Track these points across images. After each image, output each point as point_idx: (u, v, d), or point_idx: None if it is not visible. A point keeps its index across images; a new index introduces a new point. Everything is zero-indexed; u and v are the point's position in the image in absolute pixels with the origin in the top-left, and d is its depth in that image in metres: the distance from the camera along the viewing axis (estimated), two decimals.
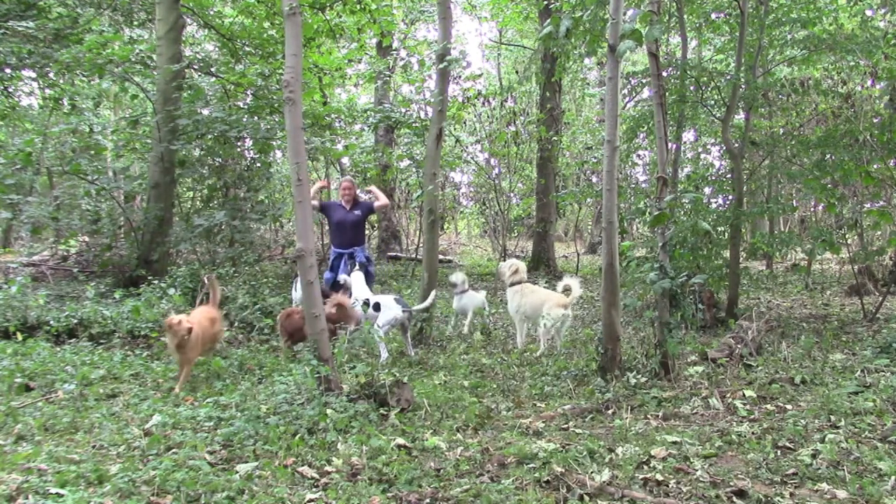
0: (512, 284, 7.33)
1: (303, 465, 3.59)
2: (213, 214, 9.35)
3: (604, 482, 3.38)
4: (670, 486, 3.40)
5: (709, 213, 8.40)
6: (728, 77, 8.54)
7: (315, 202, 7.73)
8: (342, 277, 7.28)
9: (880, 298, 8.54)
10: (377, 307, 6.64)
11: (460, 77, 13.07)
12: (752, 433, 4.14)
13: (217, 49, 12.85)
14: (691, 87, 8.45)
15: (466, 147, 15.20)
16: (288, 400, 4.55)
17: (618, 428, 4.31)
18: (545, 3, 11.71)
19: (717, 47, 10.42)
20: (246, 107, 10.88)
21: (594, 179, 18.41)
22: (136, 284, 8.42)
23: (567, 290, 7.10)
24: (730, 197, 8.80)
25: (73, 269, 10.87)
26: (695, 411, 4.70)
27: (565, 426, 4.43)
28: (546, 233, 14.48)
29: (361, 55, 14.98)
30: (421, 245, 7.47)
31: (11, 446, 3.79)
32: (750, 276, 9.23)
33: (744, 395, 4.96)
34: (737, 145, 8.57)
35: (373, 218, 17.24)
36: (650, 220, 5.73)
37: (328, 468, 3.57)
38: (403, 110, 13.08)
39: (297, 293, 7.39)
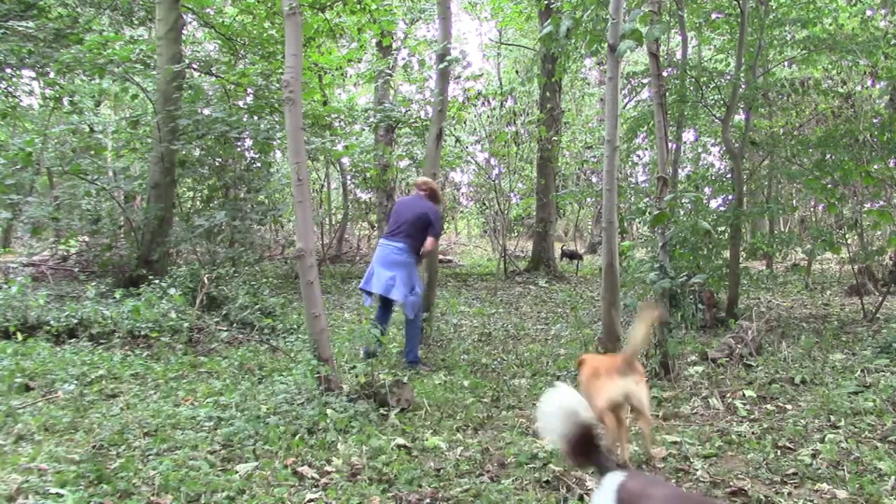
0: None
1: (303, 465, 3.59)
2: (213, 215, 9.34)
3: None
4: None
5: (709, 213, 8.40)
6: (728, 77, 8.54)
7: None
8: None
9: (880, 298, 8.54)
10: None
11: (460, 77, 13.07)
12: (752, 433, 4.14)
13: (217, 49, 12.86)
14: (691, 87, 8.45)
15: (466, 147, 15.20)
16: (288, 400, 4.55)
17: None
18: (545, 2, 11.70)
19: (717, 47, 10.43)
20: (246, 107, 10.89)
21: (594, 179, 18.45)
22: (136, 284, 8.41)
23: None
24: (730, 197, 8.79)
25: (73, 269, 10.86)
26: (695, 411, 4.71)
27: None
28: (546, 233, 14.47)
29: (362, 55, 14.98)
30: None
31: (11, 446, 3.79)
32: (750, 276, 9.22)
33: (744, 395, 4.96)
34: (737, 145, 8.56)
35: (372, 218, 17.28)
36: (650, 220, 5.73)
37: (328, 468, 3.57)
38: (404, 110, 13.09)
39: None
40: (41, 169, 11.74)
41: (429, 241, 6.22)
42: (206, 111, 10.06)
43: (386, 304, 6.31)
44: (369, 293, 6.20)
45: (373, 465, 3.60)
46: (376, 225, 17.10)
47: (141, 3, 11.69)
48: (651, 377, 5.43)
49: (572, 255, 16.19)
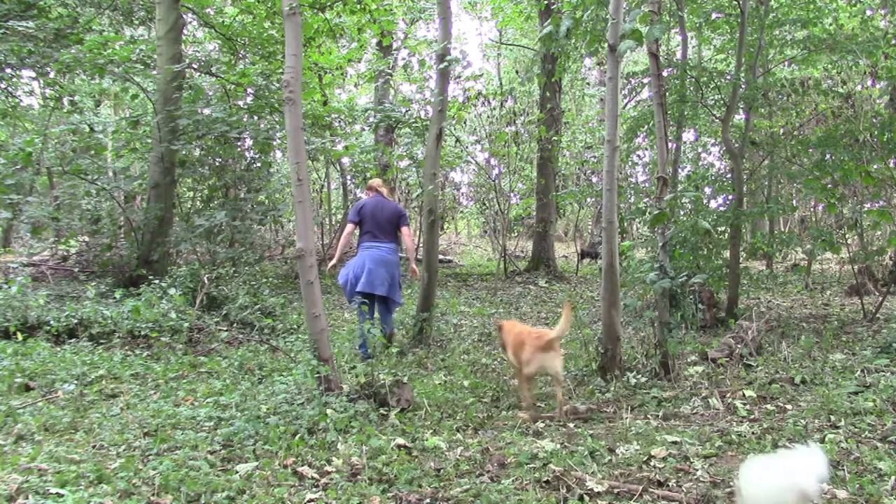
0: None
1: (303, 465, 3.59)
2: (213, 215, 9.35)
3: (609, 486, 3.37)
4: (671, 485, 3.40)
5: (709, 213, 8.39)
6: (728, 77, 8.54)
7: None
8: None
9: (880, 298, 8.53)
10: None
11: (460, 77, 13.08)
12: (752, 433, 4.14)
13: (217, 49, 12.86)
14: (691, 88, 8.45)
15: (466, 147, 15.19)
16: (288, 400, 4.55)
17: (618, 428, 4.32)
18: (546, 2, 11.70)
19: (717, 47, 10.42)
20: (246, 107, 10.89)
21: (594, 179, 18.44)
22: (136, 284, 8.42)
23: None
24: (730, 197, 8.79)
25: (73, 269, 10.86)
26: (695, 411, 4.70)
27: (565, 426, 4.43)
28: (546, 233, 14.47)
29: (361, 55, 14.99)
30: (421, 245, 7.46)
31: (11, 446, 3.79)
32: (750, 276, 9.22)
33: (744, 395, 4.96)
34: (737, 145, 8.56)
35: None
36: (650, 220, 5.73)
37: (328, 468, 3.57)
38: (404, 110, 13.09)
39: None
40: (41, 169, 11.76)
41: (404, 230, 6.64)
42: (206, 111, 10.05)
43: (371, 303, 6.41)
44: (363, 295, 6.19)
45: (373, 465, 3.60)
46: None
47: (141, 3, 11.70)
48: (651, 377, 5.44)
49: (590, 255, 16.16)
